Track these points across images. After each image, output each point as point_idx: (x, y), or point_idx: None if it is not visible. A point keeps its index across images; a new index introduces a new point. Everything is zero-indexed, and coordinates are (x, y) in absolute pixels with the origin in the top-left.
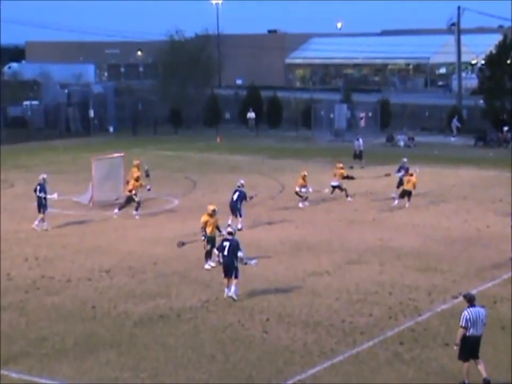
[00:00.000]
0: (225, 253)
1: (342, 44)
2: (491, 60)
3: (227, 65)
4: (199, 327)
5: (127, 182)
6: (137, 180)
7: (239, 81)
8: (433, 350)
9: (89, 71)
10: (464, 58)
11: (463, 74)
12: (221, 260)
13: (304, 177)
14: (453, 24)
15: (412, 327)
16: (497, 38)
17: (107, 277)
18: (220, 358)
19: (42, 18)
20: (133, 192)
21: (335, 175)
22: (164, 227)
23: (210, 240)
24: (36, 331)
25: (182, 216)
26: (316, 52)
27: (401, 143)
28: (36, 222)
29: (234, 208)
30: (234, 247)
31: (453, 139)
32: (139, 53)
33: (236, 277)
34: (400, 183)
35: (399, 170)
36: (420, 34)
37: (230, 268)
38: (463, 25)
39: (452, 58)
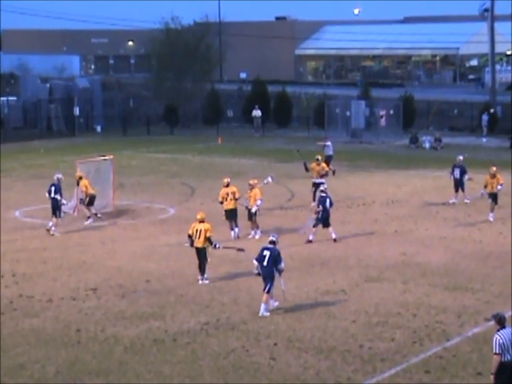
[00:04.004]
0: (265, 263)
1: (359, 32)
2: None
3: (229, 57)
4: (198, 353)
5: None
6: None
7: (243, 75)
8: (463, 379)
9: (73, 63)
10: (498, 48)
11: (497, 66)
12: (260, 271)
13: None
14: (485, 10)
15: (439, 353)
16: None
17: (93, 297)
18: None
19: (20, 3)
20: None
21: (314, 172)
22: (158, 240)
23: (196, 251)
24: (12, 358)
25: (178, 227)
26: (330, 42)
27: (427, 145)
28: (53, 228)
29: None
30: (275, 256)
31: (484, 140)
32: (130, 43)
33: (269, 291)
34: (458, 185)
35: (453, 171)
36: (448, 22)
37: (268, 280)
38: (497, 11)
39: (485, 48)
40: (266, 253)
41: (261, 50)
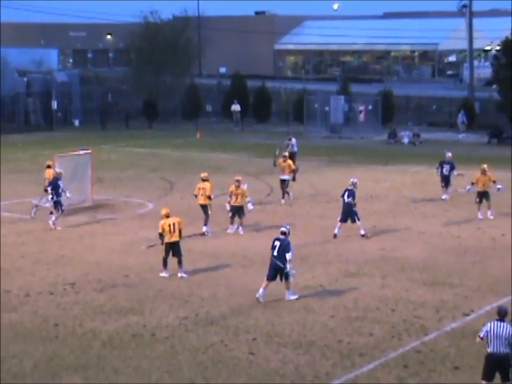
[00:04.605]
0: (275, 253)
1: (339, 27)
2: (507, 46)
3: (209, 51)
4: (177, 348)
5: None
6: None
7: (222, 70)
8: (441, 374)
9: (51, 57)
10: (476, 44)
11: (476, 62)
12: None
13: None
14: (464, 6)
15: (418, 348)
16: None
17: (72, 291)
18: (200, 383)
19: None
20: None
21: (281, 168)
22: (137, 234)
23: (169, 246)
24: None
25: (157, 222)
26: (310, 37)
27: (406, 140)
28: (55, 221)
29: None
30: (285, 247)
31: (461, 136)
32: (108, 36)
33: (286, 279)
34: (446, 181)
35: (441, 167)
36: (427, 18)
37: (276, 270)
38: (476, 8)
39: (463, 44)
40: (277, 243)
41: (241, 45)
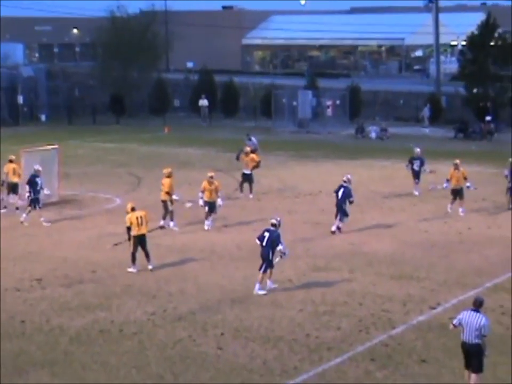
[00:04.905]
0: (264, 243)
1: (306, 22)
2: (473, 41)
3: (176, 46)
4: (145, 344)
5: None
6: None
7: (189, 64)
8: (408, 367)
9: (17, 51)
10: (443, 39)
11: (442, 57)
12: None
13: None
14: (430, 2)
15: (385, 341)
16: (479, 17)
17: (38, 287)
18: (169, 378)
19: None
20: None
21: (244, 163)
22: (104, 230)
23: (137, 240)
24: None
25: (125, 217)
26: (277, 32)
27: (373, 135)
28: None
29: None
30: (274, 238)
31: (426, 130)
32: (75, 30)
33: (265, 271)
34: (417, 176)
35: (411, 163)
36: (393, 13)
37: (264, 260)
38: (442, 3)
39: (430, 39)
40: (266, 234)
41: (208, 40)
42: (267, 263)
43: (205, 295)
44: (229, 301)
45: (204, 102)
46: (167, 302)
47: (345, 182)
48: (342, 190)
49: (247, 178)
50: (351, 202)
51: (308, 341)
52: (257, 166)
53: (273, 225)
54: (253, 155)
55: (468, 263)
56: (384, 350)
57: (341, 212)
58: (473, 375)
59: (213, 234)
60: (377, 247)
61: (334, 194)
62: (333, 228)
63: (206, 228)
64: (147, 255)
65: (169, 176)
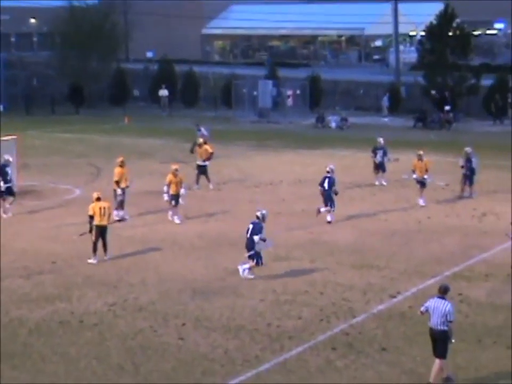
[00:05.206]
0: (248, 235)
1: (266, 12)
2: (432, 31)
3: (136, 36)
4: (105, 334)
5: None
6: None
7: (149, 54)
8: (369, 356)
9: None
10: (402, 29)
11: (401, 47)
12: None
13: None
14: None
15: (346, 330)
16: (438, 7)
17: None
18: (129, 369)
19: None
20: None
21: (198, 154)
22: (64, 221)
23: (98, 229)
24: None
25: (85, 208)
26: (237, 21)
27: (333, 124)
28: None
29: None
30: (254, 230)
31: (385, 119)
32: (32, 20)
33: (256, 262)
34: (379, 167)
35: (375, 154)
36: (353, 2)
37: (248, 250)
38: None
39: (389, 29)
40: (250, 226)
41: (168, 30)
42: (253, 253)
43: (166, 285)
44: (190, 291)
45: (163, 92)
46: (127, 293)
47: (328, 172)
48: (326, 180)
49: (202, 169)
50: (336, 194)
51: (269, 330)
52: (211, 157)
53: (257, 217)
54: (206, 146)
55: (427, 251)
56: (345, 338)
57: (331, 202)
58: (436, 360)
59: (174, 225)
60: (338, 236)
61: (320, 188)
62: (329, 218)
63: (177, 221)
64: (105, 246)
65: (121, 165)
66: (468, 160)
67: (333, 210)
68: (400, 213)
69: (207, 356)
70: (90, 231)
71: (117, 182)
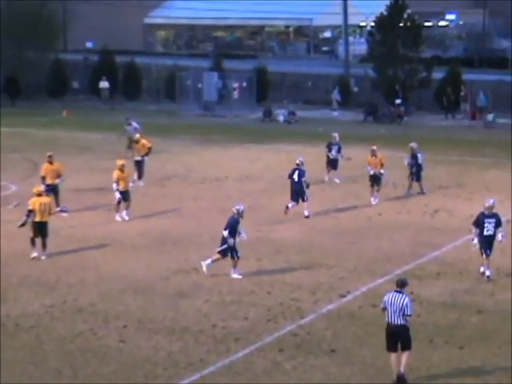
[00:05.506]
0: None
1: (211, 1)
2: (382, 22)
3: (74, 25)
4: (42, 338)
5: None
6: None
7: (89, 44)
8: (317, 357)
9: None
10: (351, 20)
11: (351, 38)
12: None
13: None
14: None
15: (294, 331)
16: None
17: None
18: (68, 373)
19: None
20: None
21: (137, 150)
22: None
23: (37, 226)
24: None
25: (21, 205)
26: (181, 11)
27: (281, 118)
28: None
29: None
30: (230, 225)
31: (335, 113)
32: None
33: (232, 257)
34: (334, 164)
35: (329, 149)
36: None
37: (226, 247)
38: None
39: (338, 20)
40: (229, 221)
41: (108, 19)
42: (230, 251)
43: (107, 285)
44: (132, 291)
45: (104, 84)
46: (66, 293)
47: (298, 165)
48: (297, 172)
49: (139, 165)
50: (307, 186)
51: (214, 332)
52: (149, 152)
53: (234, 212)
54: (144, 141)
55: (377, 249)
56: (293, 340)
57: (302, 194)
58: (404, 353)
59: (115, 222)
60: (286, 234)
61: (289, 180)
62: (306, 213)
63: (126, 217)
64: (44, 245)
65: (49, 161)
66: (413, 156)
67: (296, 205)
68: (350, 210)
69: (149, 359)
70: (24, 224)
71: (43, 178)
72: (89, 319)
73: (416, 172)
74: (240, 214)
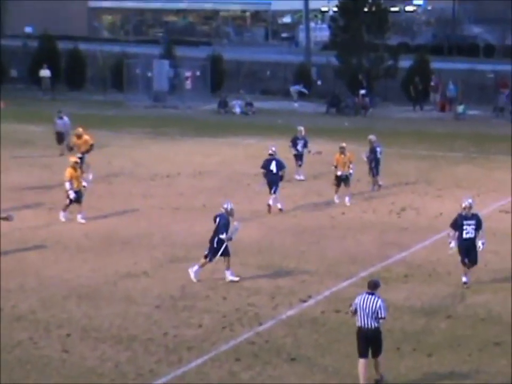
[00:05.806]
0: (214, 229)
1: None
2: (345, 7)
3: (12, 9)
4: None
5: None
6: None
7: (28, 29)
8: (277, 367)
9: None
10: (313, 5)
11: (312, 24)
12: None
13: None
14: None
15: (251, 339)
16: None
17: None
18: None
19: None
20: None
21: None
22: None
23: None
24: None
25: None
26: None
27: (237, 110)
28: None
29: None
30: (224, 225)
31: (296, 104)
32: None
33: (222, 254)
34: (300, 158)
35: (295, 144)
36: None
37: (212, 246)
38: None
39: (299, 4)
40: (217, 219)
41: (49, 2)
42: (220, 250)
43: (48, 291)
44: (76, 297)
45: (45, 72)
46: (4, 300)
47: (271, 154)
48: (274, 163)
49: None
50: (281, 179)
51: (166, 340)
52: (91, 149)
53: (222, 211)
54: (86, 137)
55: (341, 250)
56: (250, 348)
57: (275, 187)
58: (376, 360)
59: (57, 223)
60: (243, 234)
61: (263, 170)
62: (279, 206)
63: (81, 220)
64: None
65: None
66: (372, 150)
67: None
68: (311, 208)
69: (95, 370)
70: None
71: None
72: (29, 327)
73: (375, 166)
74: (229, 212)
